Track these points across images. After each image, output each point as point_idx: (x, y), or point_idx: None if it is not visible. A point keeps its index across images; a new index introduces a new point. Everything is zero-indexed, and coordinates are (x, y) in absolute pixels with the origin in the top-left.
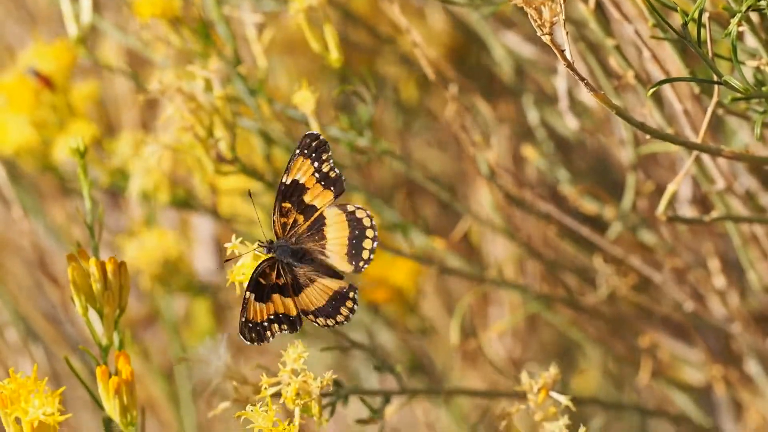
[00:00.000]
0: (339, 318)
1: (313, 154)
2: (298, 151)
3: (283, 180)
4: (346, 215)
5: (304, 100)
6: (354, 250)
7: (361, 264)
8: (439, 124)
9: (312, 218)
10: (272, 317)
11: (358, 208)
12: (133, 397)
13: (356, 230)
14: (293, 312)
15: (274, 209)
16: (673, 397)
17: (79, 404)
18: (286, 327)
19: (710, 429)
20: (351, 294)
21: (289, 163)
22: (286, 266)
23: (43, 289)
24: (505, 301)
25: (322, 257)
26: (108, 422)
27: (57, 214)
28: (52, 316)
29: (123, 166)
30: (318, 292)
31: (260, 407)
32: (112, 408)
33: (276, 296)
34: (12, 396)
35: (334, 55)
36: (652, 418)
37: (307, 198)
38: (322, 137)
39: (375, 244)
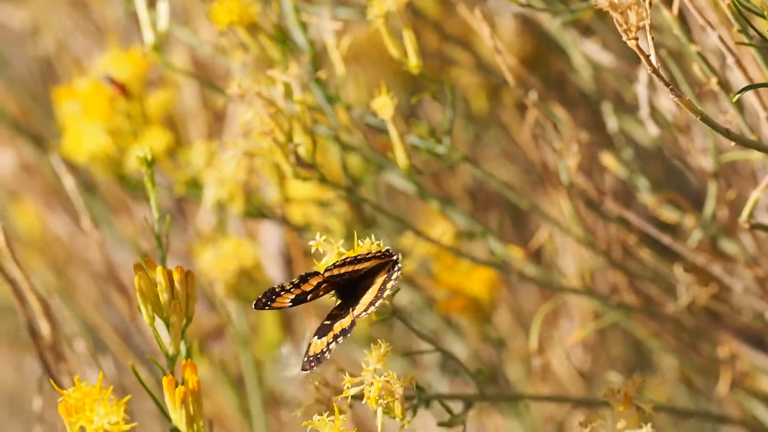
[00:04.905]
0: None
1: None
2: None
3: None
4: None
5: (383, 105)
6: None
7: None
8: (509, 135)
9: None
10: (331, 341)
11: None
12: (199, 407)
13: None
14: (349, 323)
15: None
16: (752, 407)
17: (146, 415)
18: (341, 338)
19: None
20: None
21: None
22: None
23: (112, 300)
24: (575, 313)
25: None
26: None
27: (125, 224)
28: (121, 327)
29: (196, 176)
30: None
31: (327, 417)
32: (178, 418)
33: (335, 323)
34: (77, 404)
35: (413, 61)
36: (732, 428)
37: None
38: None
39: None
